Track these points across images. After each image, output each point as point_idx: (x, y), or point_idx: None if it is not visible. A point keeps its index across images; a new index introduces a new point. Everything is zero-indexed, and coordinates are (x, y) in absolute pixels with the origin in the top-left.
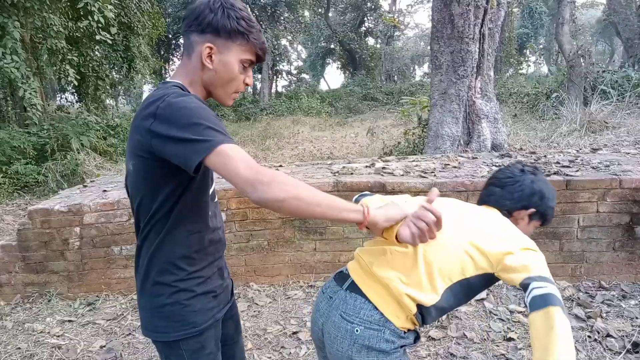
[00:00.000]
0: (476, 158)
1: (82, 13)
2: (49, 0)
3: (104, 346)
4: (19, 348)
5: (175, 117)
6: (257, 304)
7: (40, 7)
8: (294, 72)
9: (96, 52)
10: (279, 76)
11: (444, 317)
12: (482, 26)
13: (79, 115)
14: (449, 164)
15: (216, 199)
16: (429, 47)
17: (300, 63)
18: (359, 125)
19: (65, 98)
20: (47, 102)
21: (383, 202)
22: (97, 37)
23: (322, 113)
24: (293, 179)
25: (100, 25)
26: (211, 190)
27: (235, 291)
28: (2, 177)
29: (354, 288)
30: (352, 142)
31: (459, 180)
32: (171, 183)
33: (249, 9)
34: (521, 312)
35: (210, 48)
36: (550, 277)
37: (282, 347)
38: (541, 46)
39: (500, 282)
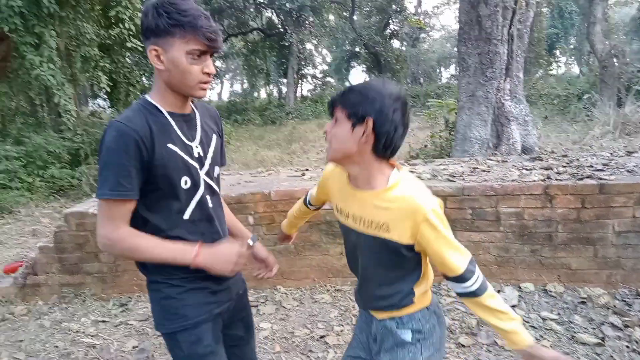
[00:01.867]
0: (506, 161)
1: (113, 21)
2: (83, 10)
3: (137, 346)
4: (57, 346)
5: (100, 151)
6: (284, 307)
7: (75, 16)
8: (319, 75)
9: (127, 59)
10: (304, 80)
11: (474, 323)
12: (510, 27)
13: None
14: (477, 168)
15: (209, 204)
16: (455, 49)
17: (325, 67)
18: None
19: (98, 104)
20: (80, 108)
21: None
22: (129, 45)
23: None
24: (134, 242)
25: (131, 32)
26: (197, 198)
27: (262, 294)
28: (39, 180)
29: None
30: None
31: (488, 184)
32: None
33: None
34: (554, 319)
35: (156, 50)
36: None
37: (309, 350)
38: (572, 46)
39: (532, 288)
